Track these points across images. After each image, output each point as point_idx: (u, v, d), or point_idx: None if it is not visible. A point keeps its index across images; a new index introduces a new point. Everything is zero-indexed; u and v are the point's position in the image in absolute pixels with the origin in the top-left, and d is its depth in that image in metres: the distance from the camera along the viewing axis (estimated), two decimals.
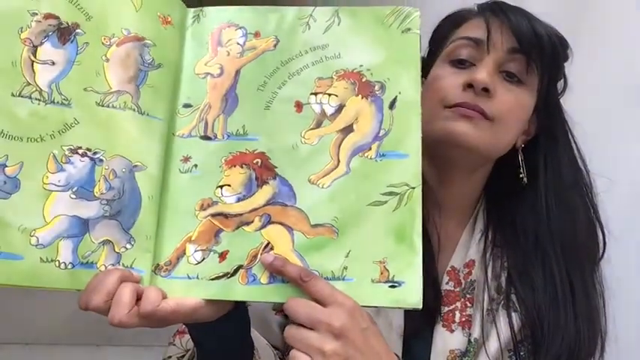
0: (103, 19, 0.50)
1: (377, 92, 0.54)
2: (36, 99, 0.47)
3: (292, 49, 0.55)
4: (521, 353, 0.62)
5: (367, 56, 0.54)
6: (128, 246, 0.49)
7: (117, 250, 0.48)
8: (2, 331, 2.00)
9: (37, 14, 0.47)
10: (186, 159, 0.53)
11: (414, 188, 0.51)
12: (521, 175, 0.67)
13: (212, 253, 0.51)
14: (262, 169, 0.52)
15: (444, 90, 0.63)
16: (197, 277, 0.50)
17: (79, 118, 0.48)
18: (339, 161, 0.52)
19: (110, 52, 0.51)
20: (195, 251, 0.51)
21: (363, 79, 0.54)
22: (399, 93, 0.53)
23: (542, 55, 0.62)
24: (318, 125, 0.53)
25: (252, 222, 0.51)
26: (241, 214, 0.51)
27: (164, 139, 0.53)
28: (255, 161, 0.52)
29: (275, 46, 0.56)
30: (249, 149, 0.53)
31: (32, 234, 0.46)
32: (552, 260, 0.64)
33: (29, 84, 0.47)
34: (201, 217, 0.52)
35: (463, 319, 0.65)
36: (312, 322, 0.47)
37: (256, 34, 0.56)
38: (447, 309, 0.66)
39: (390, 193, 0.51)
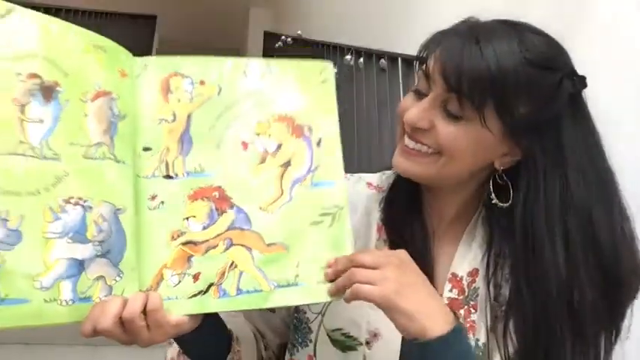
0: (78, 76, 0.54)
1: (306, 133, 0.65)
2: (30, 155, 0.50)
3: (233, 95, 0.64)
4: None
5: (296, 103, 0.65)
6: (117, 278, 0.55)
7: (108, 283, 0.55)
8: (2, 331, 2.00)
9: (21, 74, 0.50)
10: (153, 197, 0.60)
11: (342, 208, 0.63)
12: (491, 198, 0.67)
13: (186, 275, 0.59)
14: (220, 201, 0.61)
15: (401, 112, 0.68)
16: (176, 298, 0.58)
17: (68, 170, 0.53)
18: (282, 191, 0.63)
19: (87, 108, 0.56)
20: (172, 276, 0.59)
21: (295, 123, 0.64)
22: (323, 134, 0.65)
23: (473, 93, 0.60)
24: (263, 161, 0.63)
25: (217, 246, 0.60)
26: (207, 240, 0.60)
27: (133, 182, 0.59)
28: (213, 194, 0.61)
29: (219, 93, 0.63)
30: (207, 184, 0.61)
31: (35, 279, 0.51)
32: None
33: (22, 142, 0.50)
34: (173, 247, 0.59)
35: (467, 325, 0.67)
36: (378, 264, 0.58)
37: (201, 82, 0.63)
38: None
39: (325, 214, 0.63)
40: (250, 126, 0.63)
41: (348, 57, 2.68)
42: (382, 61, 2.29)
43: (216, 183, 0.61)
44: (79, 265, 0.53)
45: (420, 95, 0.67)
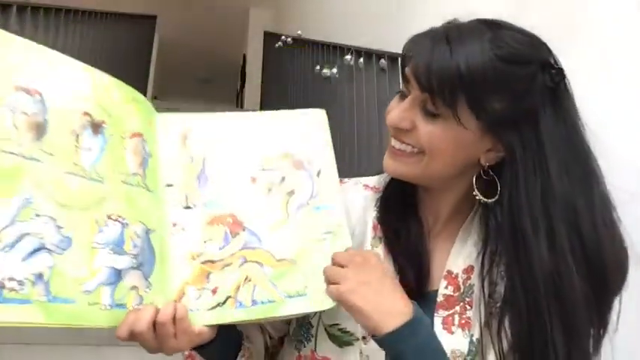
0: (119, 119, 0.65)
1: (306, 166, 0.74)
2: (81, 176, 0.59)
3: (241, 140, 0.74)
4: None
5: (296, 142, 0.76)
6: (147, 290, 0.62)
7: (140, 293, 0.62)
8: (2, 331, 2.00)
9: (77, 112, 0.61)
10: (175, 224, 0.69)
11: (341, 226, 0.72)
12: (474, 194, 0.68)
13: (206, 290, 0.66)
14: (234, 225, 0.70)
15: (387, 114, 0.71)
16: (197, 310, 0.65)
17: (110, 192, 0.62)
18: (288, 214, 0.71)
19: (126, 144, 0.66)
20: (193, 290, 0.66)
21: (295, 158, 0.75)
22: (322, 165, 0.75)
23: (444, 91, 0.62)
24: (269, 191, 0.72)
25: (233, 263, 0.68)
26: (224, 259, 0.68)
27: (160, 210, 0.68)
28: (227, 220, 0.70)
29: (228, 139, 0.74)
30: (222, 212, 0.70)
31: (81, 282, 0.57)
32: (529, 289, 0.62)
33: (76, 164, 0.59)
34: (194, 265, 0.67)
35: (462, 322, 0.68)
36: (344, 262, 0.65)
37: (212, 132, 0.74)
38: (446, 313, 0.68)
39: (327, 232, 0.71)
40: (257, 164, 0.73)
41: (348, 57, 2.68)
42: (382, 61, 2.29)
43: (230, 211, 0.70)
44: (118, 274, 0.60)
45: (403, 97, 0.69)
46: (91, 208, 0.59)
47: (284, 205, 0.72)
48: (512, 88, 0.63)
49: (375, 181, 0.81)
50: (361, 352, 0.70)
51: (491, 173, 0.67)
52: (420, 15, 2.07)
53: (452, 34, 0.64)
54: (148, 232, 0.64)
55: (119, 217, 0.62)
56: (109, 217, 0.61)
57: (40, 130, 0.56)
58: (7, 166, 0.52)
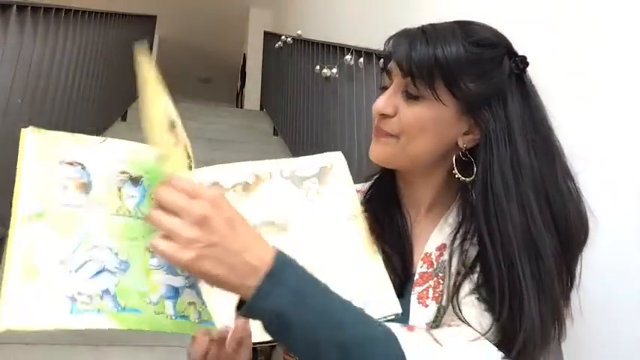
0: (154, 174, 0.71)
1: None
2: (128, 216, 0.67)
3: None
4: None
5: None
6: (203, 307, 0.67)
7: (198, 309, 0.67)
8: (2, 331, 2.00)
9: (118, 171, 0.69)
10: None
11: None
12: (454, 172, 0.73)
13: None
14: None
15: (372, 112, 0.77)
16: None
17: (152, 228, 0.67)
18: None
19: None
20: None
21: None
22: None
23: (422, 72, 0.71)
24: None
25: None
26: None
27: None
28: None
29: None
30: None
31: (145, 295, 0.64)
32: (509, 258, 0.66)
33: (121, 207, 0.68)
34: None
35: (436, 295, 0.70)
36: (175, 209, 0.53)
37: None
38: (421, 288, 0.71)
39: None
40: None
41: (348, 57, 2.67)
42: (382, 61, 2.29)
43: None
44: (176, 291, 0.66)
45: (384, 90, 0.77)
46: (140, 238, 0.66)
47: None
48: (483, 68, 0.72)
49: (362, 186, 0.86)
50: None
51: (468, 155, 0.73)
52: (420, 15, 2.07)
53: (427, 29, 0.74)
54: None
55: None
56: None
57: (86, 188, 0.67)
58: (65, 212, 0.65)
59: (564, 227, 0.69)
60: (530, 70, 0.75)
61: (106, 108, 4.08)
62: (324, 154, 0.81)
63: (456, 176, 0.73)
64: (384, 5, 2.57)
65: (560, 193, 0.70)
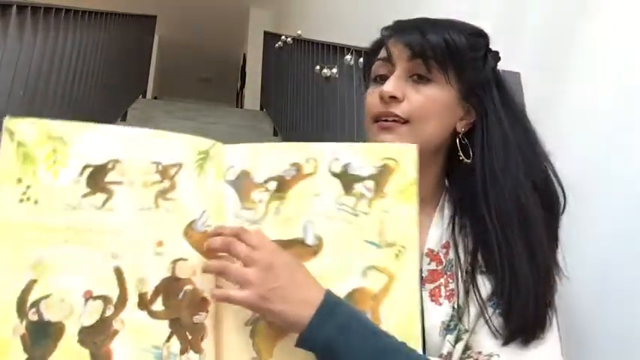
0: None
1: None
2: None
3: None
4: (494, 310, 0.69)
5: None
6: None
7: None
8: None
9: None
10: None
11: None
12: (459, 157, 0.77)
13: None
14: None
15: (369, 105, 0.78)
16: None
17: None
18: None
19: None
20: None
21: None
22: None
23: (434, 55, 0.75)
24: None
25: None
26: None
27: None
28: None
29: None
30: None
31: None
32: (504, 232, 0.72)
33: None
34: None
35: (448, 293, 0.72)
36: (244, 260, 0.62)
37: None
38: (433, 286, 0.73)
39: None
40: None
41: (348, 57, 2.67)
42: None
43: None
44: None
45: (383, 79, 0.78)
46: None
47: None
48: (480, 55, 0.79)
49: None
50: None
51: (464, 140, 0.78)
52: (420, 15, 2.07)
53: (428, 19, 0.79)
54: None
55: None
56: None
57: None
58: None
59: (548, 197, 0.76)
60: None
61: (106, 108, 4.09)
62: (395, 143, 0.71)
63: (460, 158, 0.77)
64: (384, 5, 2.57)
65: (541, 168, 0.77)
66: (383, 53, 0.80)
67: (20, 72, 2.42)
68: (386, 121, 0.75)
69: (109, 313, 0.59)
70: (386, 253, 0.65)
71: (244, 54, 7.85)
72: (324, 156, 0.67)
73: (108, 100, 4.08)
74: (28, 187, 0.61)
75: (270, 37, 5.85)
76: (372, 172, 0.67)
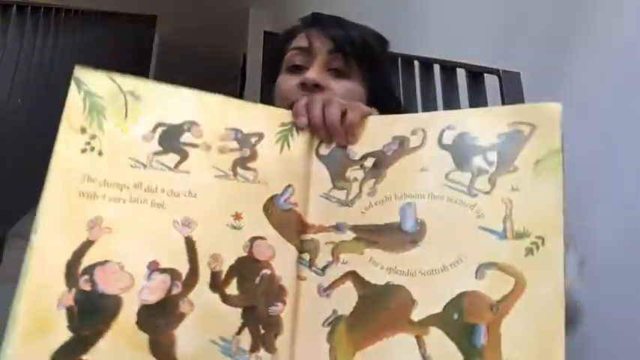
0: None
1: None
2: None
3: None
4: None
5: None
6: None
7: None
8: (2, 331, 1.99)
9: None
10: None
11: None
12: None
13: None
14: None
15: (285, 92, 0.80)
16: None
17: None
18: None
19: None
20: None
21: None
22: None
23: (355, 51, 0.78)
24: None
25: None
26: None
27: None
28: None
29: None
30: None
31: None
32: None
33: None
34: None
35: None
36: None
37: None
38: None
39: None
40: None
41: None
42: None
43: None
44: None
45: (299, 69, 0.81)
46: None
47: None
48: (385, 60, 0.86)
49: None
50: None
51: None
52: (420, 15, 2.07)
53: (341, 17, 0.85)
54: None
55: None
56: None
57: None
58: None
59: None
60: None
61: None
62: (533, 103, 0.51)
63: None
64: (384, 5, 2.56)
65: None
66: (302, 43, 0.82)
67: (20, 72, 2.42)
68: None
69: (175, 291, 0.50)
70: (514, 247, 0.47)
71: (244, 54, 7.84)
72: (434, 125, 0.54)
73: None
74: (93, 137, 0.53)
75: (270, 37, 5.84)
76: (495, 141, 0.51)
